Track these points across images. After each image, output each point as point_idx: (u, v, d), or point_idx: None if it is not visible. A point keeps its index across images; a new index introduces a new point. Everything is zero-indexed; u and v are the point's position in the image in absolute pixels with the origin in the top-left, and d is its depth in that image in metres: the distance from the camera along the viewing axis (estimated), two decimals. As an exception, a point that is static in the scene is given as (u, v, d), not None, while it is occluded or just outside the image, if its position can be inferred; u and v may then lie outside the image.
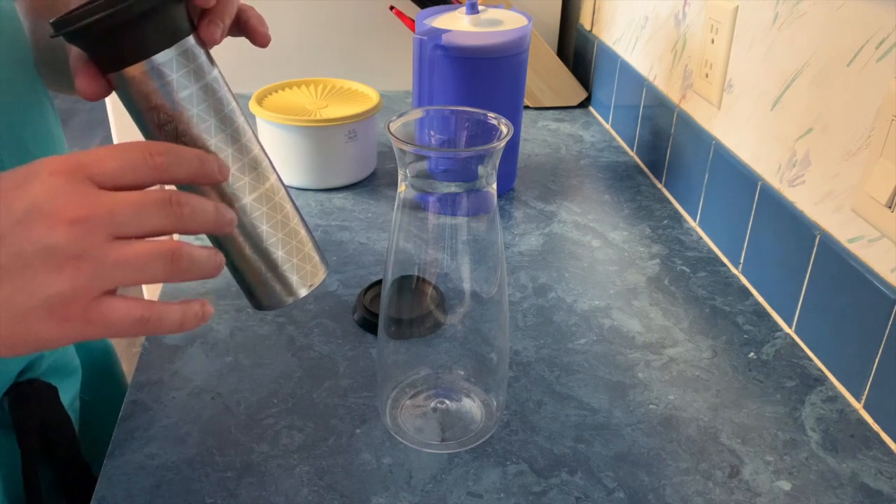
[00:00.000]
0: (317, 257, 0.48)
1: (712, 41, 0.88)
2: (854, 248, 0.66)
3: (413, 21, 1.04)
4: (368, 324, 0.72)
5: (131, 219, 0.38)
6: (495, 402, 0.62)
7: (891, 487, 0.58)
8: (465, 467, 0.58)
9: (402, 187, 0.55)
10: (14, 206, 0.36)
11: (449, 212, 0.55)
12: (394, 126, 0.53)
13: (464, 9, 0.88)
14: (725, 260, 0.85)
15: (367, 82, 1.05)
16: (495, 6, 0.92)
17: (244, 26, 0.48)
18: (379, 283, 0.76)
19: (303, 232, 0.48)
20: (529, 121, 1.21)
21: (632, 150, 1.11)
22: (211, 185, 0.43)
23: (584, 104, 1.28)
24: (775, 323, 0.75)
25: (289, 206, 0.47)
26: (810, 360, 0.70)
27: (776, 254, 0.76)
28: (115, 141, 1.32)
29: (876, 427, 0.63)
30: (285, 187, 0.47)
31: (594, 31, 1.28)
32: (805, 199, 0.72)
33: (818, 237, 0.69)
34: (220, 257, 0.42)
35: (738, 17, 0.84)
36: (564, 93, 1.27)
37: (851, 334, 0.65)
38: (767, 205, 0.77)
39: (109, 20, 0.39)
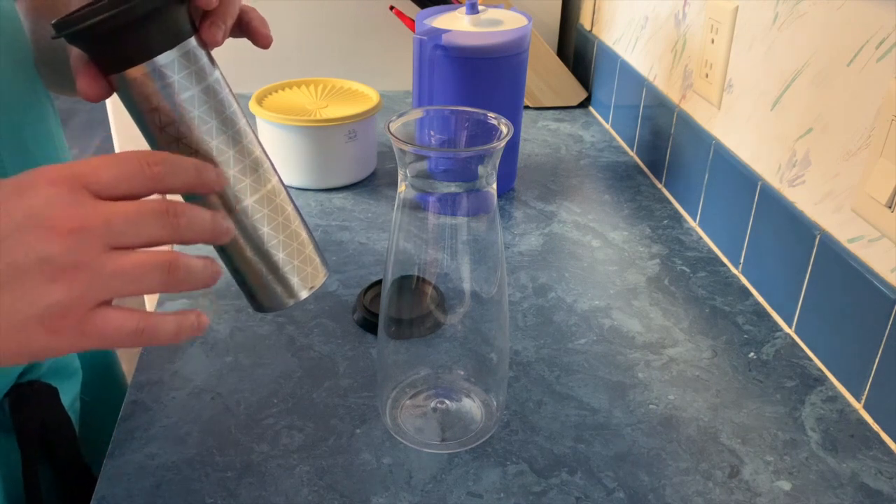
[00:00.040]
0: (317, 259, 0.48)
1: (712, 41, 0.88)
2: (854, 248, 0.66)
3: (413, 21, 1.04)
4: (368, 324, 0.72)
5: (128, 229, 0.38)
6: (495, 402, 0.62)
7: (891, 487, 0.58)
8: (465, 467, 0.58)
9: (402, 187, 0.55)
10: (10, 216, 0.36)
11: (449, 212, 0.55)
12: (394, 126, 0.53)
13: (464, 9, 0.88)
14: (725, 260, 0.85)
15: (367, 82, 1.05)
16: (495, 6, 0.92)
17: (246, 27, 0.48)
18: (379, 283, 0.76)
19: (304, 234, 0.48)
20: (529, 121, 1.21)
21: (632, 150, 1.11)
22: (209, 192, 0.43)
23: (584, 104, 1.28)
24: (775, 323, 0.75)
25: (290, 208, 0.47)
26: (810, 360, 0.70)
27: (776, 254, 0.76)
28: (116, 141, 1.32)
29: (876, 427, 0.63)
30: (286, 189, 0.47)
31: (594, 31, 1.28)
32: (805, 199, 0.72)
33: (818, 237, 0.69)
34: (217, 267, 0.42)
35: (738, 17, 0.84)
36: (564, 93, 1.27)
37: (851, 334, 0.65)
38: (767, 205, 0.77)
39: (112, 21, 0.38)
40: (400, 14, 1.14)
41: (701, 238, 0.90)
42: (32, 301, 0.36)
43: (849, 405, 0.65)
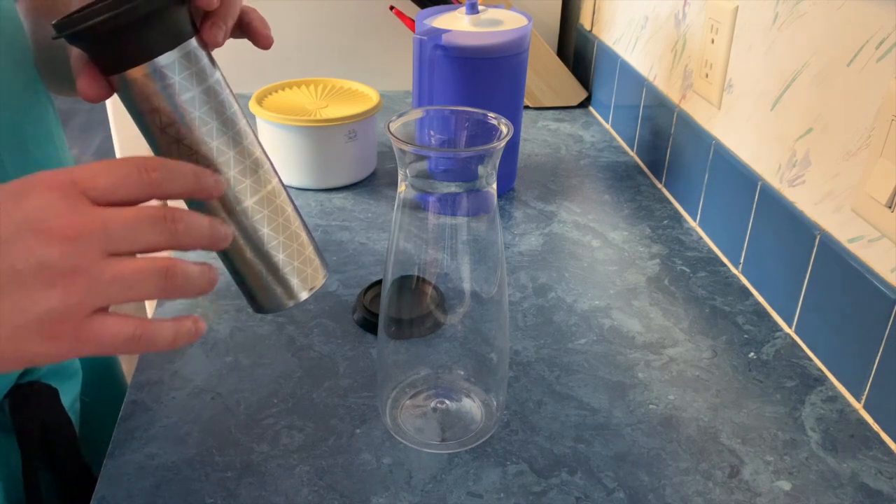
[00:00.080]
0: (317, 260, 0.48)
1: (712, 41, 0.88)
2: (854, 248, 0.66)
3: (413, 21, 1.04)
4: (368, 324, 0.72)
5: (125, 235, 0.38)
6: (495, 402, 0.62)
7: (891, 487, 0.58)
8: (465, 467, 0.58)
9: (402, 187, 0.55)
10: (9, 221, 0.36)
11: (449, 212, 0.55)
12: (394, 126, 0.53)
13: (464, 9, 0.88)
14: (725, 260, 0.85)
15: (367, 82, 1.05)
16: (495, 6, 0.92)
17: (246, 28, 0.48)
18: (379, 283, 0.76)
19: (304, 235, 0.47)
20: (529, 121, 1.21)
21: (632, 150, 1.11)
22: (207, 199, 0.43)
23: (584, 104, 1.28)
24: (775, 323, 0.75)
25: (290, 209, 0.47)
26: (810, 360, 0.71)
27: (776, 254, 0.76)
28: (116, 142, 1.32)
29: (876, 427, 0.63)
30: (286, 190, 0.47)
31: (594, 31, 1.28)
32: (805, 199, 0.72)
33: (818, 237, 0.69)
34: (214, 274, 0.41)
35: (738, 17, 0.84)
36: (564, 93, 1.27)
37: (851, 334, 0.65)
38: (767, 205, 0.77)
39: (112, 22, 0.38)
40: (400, 14, 1.15)
41: (701, 238, 0.90)
42: (29, 307, 0.36)
43: (849, 405, 0.65)
